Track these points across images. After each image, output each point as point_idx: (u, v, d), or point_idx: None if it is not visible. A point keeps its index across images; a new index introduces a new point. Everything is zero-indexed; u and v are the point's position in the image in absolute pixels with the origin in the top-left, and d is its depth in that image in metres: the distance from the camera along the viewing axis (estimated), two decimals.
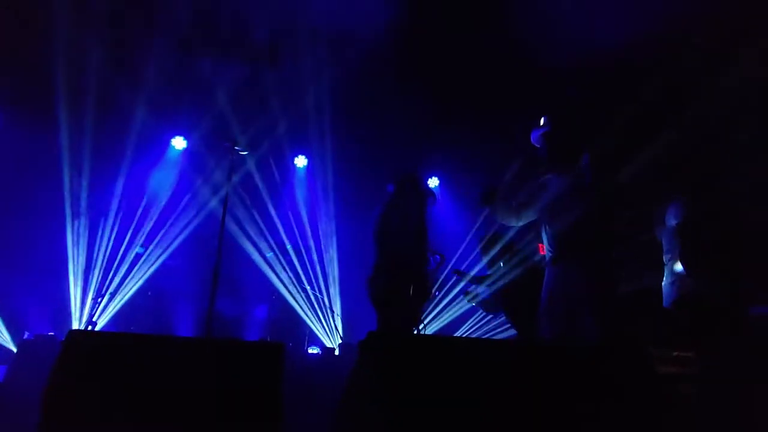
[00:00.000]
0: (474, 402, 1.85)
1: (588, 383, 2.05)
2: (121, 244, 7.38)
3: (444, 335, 7.34)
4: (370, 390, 1.89)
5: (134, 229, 7.51)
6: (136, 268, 7.27)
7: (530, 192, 3.54)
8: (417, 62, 6.81)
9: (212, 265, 4.56)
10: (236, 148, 5.02)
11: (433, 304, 7.70)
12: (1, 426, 3.89)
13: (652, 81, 5.51)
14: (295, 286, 7.66)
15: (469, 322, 7.92)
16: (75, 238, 7.10)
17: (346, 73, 6.85)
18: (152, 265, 7.32)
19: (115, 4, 6.27)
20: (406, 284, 3.66)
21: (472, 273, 5.51)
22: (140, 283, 7.21)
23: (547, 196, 3.37)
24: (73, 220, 7.03)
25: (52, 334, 5.46)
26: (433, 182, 8.91)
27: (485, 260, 5.17)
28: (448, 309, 7.88)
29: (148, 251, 7.37)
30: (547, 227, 3.33)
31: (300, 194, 8.69)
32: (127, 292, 7.13)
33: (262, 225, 7.97)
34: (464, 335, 7.69)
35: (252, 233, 7.78)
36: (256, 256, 7.65)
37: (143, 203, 7.71)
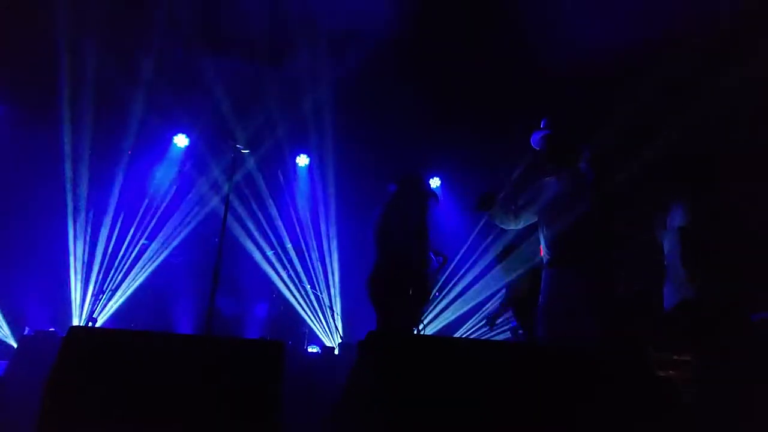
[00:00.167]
0: (473, 403, 1.85)
1: (587, 385, 2.05)
2: (123, 241, 7.39)
3: (444, 336, 7.33)
4: (369, 390, 1.89)
5: (135, 226, 7.51)
6: (138, 265, 7.28)
7: (529, 194, 3.54)
8: (420, 62, 6.81)
9: (213, 262, 4.56)
10: (238, 146, 5.03)
11: (433, 305, 7.71)
12: (0, 421, 3.89)
13: (653, 81, 5.51)
14: (296, 285, 7.66)
15: (469, 323, 7.92)
16: (76, 235, 7.11)
17: (349, 73, 6.85)
18: (153, 261, 7.33)
19: (118, 1, 6.28)
20: (405, 285, 3.65)
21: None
22: (141, 279, 7.22)
23: (546, 198, 3.37)
24: (75, 218, 7.04)
25: (52, 330, 5.47)
26: (435, 183, 8.91)
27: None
28: (448, 310, 7.88)
29: (150, 247, 7.38)
30: (546, 229, 3.32)
31: (301, 193, 8.69)
32: (128, 289, 7.14)
33: (263, 223, 7.97)
34: (464, 336, 7.69)
35: (253, 231, 7.78)
36: (256, 254, 7.65)
37: (145, 200, 7.72)
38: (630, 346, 3.32)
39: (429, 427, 1.76)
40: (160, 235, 7.50)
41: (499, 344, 3.96)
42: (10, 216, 6.71)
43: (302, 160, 8.73)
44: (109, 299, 7.03)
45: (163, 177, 7.98)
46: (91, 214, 7.27)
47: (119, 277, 7.19)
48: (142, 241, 7.32)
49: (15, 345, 6.16)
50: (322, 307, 7.76)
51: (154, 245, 7.38)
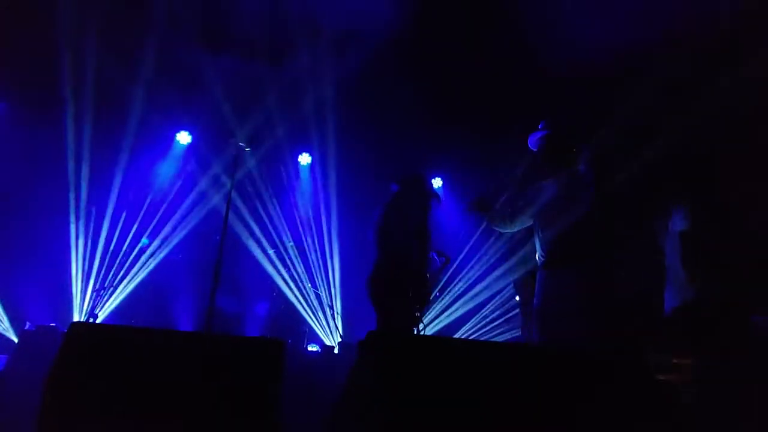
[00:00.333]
0: (473, 403, 1.85)
1: (587, 386, 2.05)
2: (124, 238, 7.40)
3: (444, 336, 7.34)
4: (369, 390, 1.90)
5: (136, 223, 7.53)
6: (139, 261, 7.29)
7: (525, 197, 3.54)
8: (421, 62, 6.81)
9: (214, 260, 4.57)
10: (240, 144, 5.03)
11: (434, 306, 7.71)
12: (0, 415, 3.90)
13: (653, 81, 5.51)
14: (296, 284, 7.66)
15: (468, 323, 7.93)
16: (77, 231, 7.13)
17: (351, 72, 6.85)
18: (155, 258, 7.34)
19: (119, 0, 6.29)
20: (405, 285, 3.64)
21: None
22: (142, 276, 7.23)
23: (543, 201, 3.37)
24: (76, 214, 7.05)
25: (53, 325, 5.48)
26: (437, 183, 8.91)
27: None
28: (448, 310, 7.88)
29: (152, 245, 7.39)
30: (543, 231, 3.32)
31: (303, 191, 8.70)
32: (129, 286, 7.15)
33: (264, 222, 7.98)
34: (464, 337, 7.69)
35: (254, 230, 7.79)
36: (257, 252, 7.66)
37: (147, 197, 7.73)
38: (628, 347, 3.32)
39: (428, 428, 1.76)
40: (162, 232, 7.52)
41: (499, 345, 3.96)
42: (12, 212, 6.73)
43: (304, 159, 8.74)
44: (110, 295, 7.05)
45: (166, 174, 7.99)
46: (92, 211, 7.29)
47: (120, 274, 7.20)
48: (143, 239, 7.33)
49: (16, 340, 6.18)
50: (322, 306, 7.77)
51: (155, 243, 7.40)
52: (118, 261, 7.25)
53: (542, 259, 3.30)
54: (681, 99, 5.51)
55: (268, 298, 7.47)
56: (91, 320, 6.62)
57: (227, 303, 6.72)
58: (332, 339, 7.55)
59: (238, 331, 7.23)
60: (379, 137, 7.89)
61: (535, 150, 3.57)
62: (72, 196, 7.09)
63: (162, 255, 7.37)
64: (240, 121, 7.21)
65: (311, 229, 8.42)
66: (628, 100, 5.59)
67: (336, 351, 6.41)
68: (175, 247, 7.45)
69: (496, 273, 7.44)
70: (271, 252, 7.65)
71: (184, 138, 8.04)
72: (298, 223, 8.37)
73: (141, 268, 7.29)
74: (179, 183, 7.95)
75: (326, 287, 8.04)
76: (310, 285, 7.73)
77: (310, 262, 8.10)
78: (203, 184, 7.74)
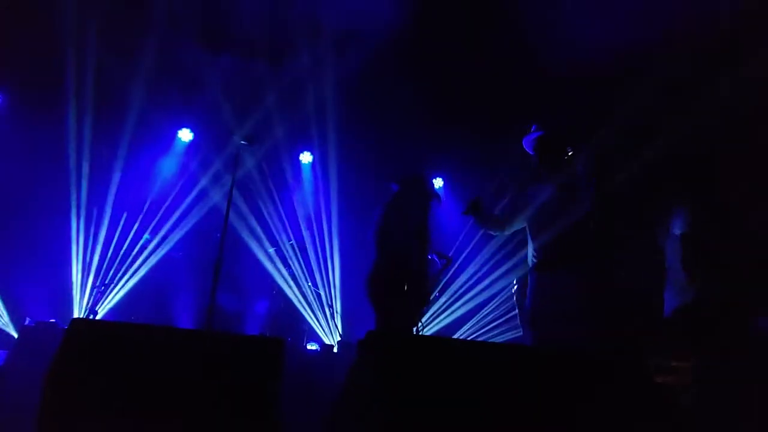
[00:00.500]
0: (472, 404, 1.85)
1: (586, 387, 2.05)
2: (125, 235, 7.41)
3: (443, 336, 7.34)
4: (368, 389, 1.90)
5: (138, 220, 7.53)
6: (139, 259, 7.30)
7: (519, 200, 3.53)
8: (422, 61, 6.81)
9: (214, 258, 4.56)
10: (242, 142, 5.02)
11: (433, 306, 7.71)
12: (0, 411, 3.91)
13: (653, 81, 5.51)
14: (296, 283, 7.67)
15: (468, 323, 7.93)
16: (78, 227, 7.13)
17: (352, 72, 6.86)
18: (155, 255, 7.34)
19: None
20: (403, 286, 3.62)
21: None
22: (142, 273, 7.24)
23: (538, 202, 3.36)
24: (77, 211, 7.06)
25: (53, 321, 5.48)
26: (438, 183, 8.91)
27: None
28: (448, 311, 7.89)
29: (152, 242, 7.40)
30: (537, 233, 3.31)
31: (304, 190, 8.70)
32: (129, 283, 7.15)
33: (265, 220, 7.98)
34: (464, 337, 7.69)
35: (254, 228, 7.79)
36: (258, 250, 7.66)
37: (148, 194, 7.74)
38: (628, 348, 3.32)
39: (428, 428, 1.77)
40: (162, 230, 7.52)
41: (499, 345, 3.96)
42: (12, 208, 6.73)
43: (305, 158, 8.74)
44: (110, 292, 7.05)
45: (167, 172, 7.99)
46: (93, 208, 7.30)
47: (121, 271, 7.21)
48: (145, 236, 7.34)
49: (15, 335, 6.19)
50: (322, 305, 7.77)
51: (156, 240, 7.40)
52: (119, 258, 7.25)
53: (536, 260, 3.29)
54: (681, 99, 5.52)
55: (268, 296, 7.48)
56: (91, 317, 6.63)
57: (227, 301, 6.73)
58: (332, 338, 7.56)
59: (238, 329, 7.24)
60: (380, 137, 7.89)
61: (530, 152, 3.57)
62: (73, 192, 7.09)
63: (162, 252, 7.38)
64: (241, 120, 7.21)
65: (312, 227, 8.42)
66: (628, 101, 5.60)
67: (335, 350, 6.41)
68: (175, 244, 7.46)
69: (497, 273, 7.45)
70: (271, 250, 7.66)
71: (185, 135, 8.04)
72: (299, 221, 8.37)
73: (141, 265, 7.29)
74: (180, 180, 7.96)
75: (326, 286, 8.05)
76: (310, 283, 7.74)
77: (311, 261, 8.11)
78: (204, 181, 7.74)
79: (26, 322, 5.76)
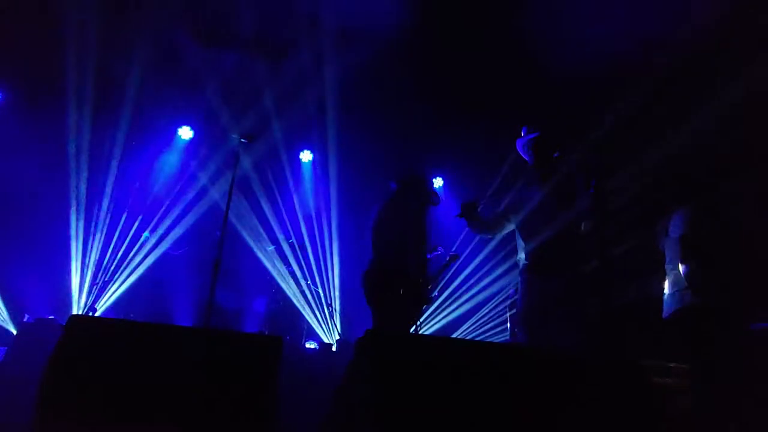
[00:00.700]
0: (468, 403, 1.86)
1: (582, 388, 2.06)
2: (124, 232, 7.41)
3: (441, 336, 7.35)
4: (365, 388, 1.90)
5: (134, 216, 7.53)
6: (138, 256, 7.30)
7: (510, 203, 3.52)
8: (424, 61, 6.81)
9: (213, 256, 4.56)
10: (242, 140, 5.02)
11: (433, 305, 7.72)
12: None
13: (653, 85, 5.51)
14: (295, 281, 7.67)
15: (467, 323, 7.94)
16: (77, 224, 7.14)
17: (353, 71, 6.85)
18: (154, 253, 7.35)
19: None
20: (396, 285, 3.58)
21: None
22: (141, 271, 7.25)
23: (529, 206, 3.36)
24: (77, 208, 7.06)
25: (52, 317, 5.49)
26: (438, 182, 8.91)
27: None
28: (447, 310, 7.89)
29: (152, 240, 7.40)
30: (528, 236, 3.31)
31: (304, 189, 8.71)
32: (128, 280, 7.16)
33: (265, 218, 7.99)
34: (462, 337, 7.70)
35: (254, 226, 7.80)
36: (257, 248, 7.67)
37: (148, 192, 7.74)
38: (625, 351, 3.33)
39: (424, 426, 1.77)
40: (162, 227, 7.53)
41: (496, 346, 3.97)
42: (12, 204, 6.73)
43: (305, 156, 8.74)
44: (110, 289, 7.06)
45: (167, 169, 8.00)
46: (93, 205, 7.30)
47: (120, 268, 7.22)
48: (145, 234, 7.34)
49: (15, 332, 6.19)
50: (320, 304, 7.78)
51: (152, 236, 7.41)
52: (119, 255, 7.26)
53: (527, 263, 3.29)
54: (680, 100, 5.52)
55: (267, 294, 7.48)
56: (90, 314, 6.63)
57: (226, 299, 6.73)
58: (330, 337, 7.57)
59: (237, 326, 7.24)
60: (380, 136, 7.89)
61: (523, 155, 3.57)
62: (73, 190, 7.09)
63: (162, 250, 7.38)
64: (242, 118, 7.21)
65: (311, 226, 8.42)
66: (628, 101, 5.60)
67: (334, 349, 6.42)
68: (175, 242, 7.46)
69: (497, 272, 7.46)
70: (270, 248, 7.66)
71: (186, 133, 8.04)
72: (299, 220, 8.37)
73: (141, 262, 7.30)
74: (181, 178, 7.96)
75: (326, 285, 8.05)
76: (309, 282, 7.74)
77: (310, 259, 8.11)
78: (204, 179, 7.74)
79: (25, 319, 5.76)
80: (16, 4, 6.25)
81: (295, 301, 7.62)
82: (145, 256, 7.34)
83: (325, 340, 7.47)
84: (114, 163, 7.42)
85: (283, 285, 7.56)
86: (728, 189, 3.47)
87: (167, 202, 7.71)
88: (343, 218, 8.27)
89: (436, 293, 6.83)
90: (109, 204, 7.41)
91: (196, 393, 2.05)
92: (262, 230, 7.86)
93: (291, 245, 7.73)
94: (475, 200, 3.58)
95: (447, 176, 8.97)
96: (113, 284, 7.09)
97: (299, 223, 8.36)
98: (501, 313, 7.35)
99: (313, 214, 8.51)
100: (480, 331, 7.73)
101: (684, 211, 3.36)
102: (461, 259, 7.42)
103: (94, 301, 6.89)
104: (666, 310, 3.40)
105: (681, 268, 3.24)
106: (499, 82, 6.63)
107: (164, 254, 7.36)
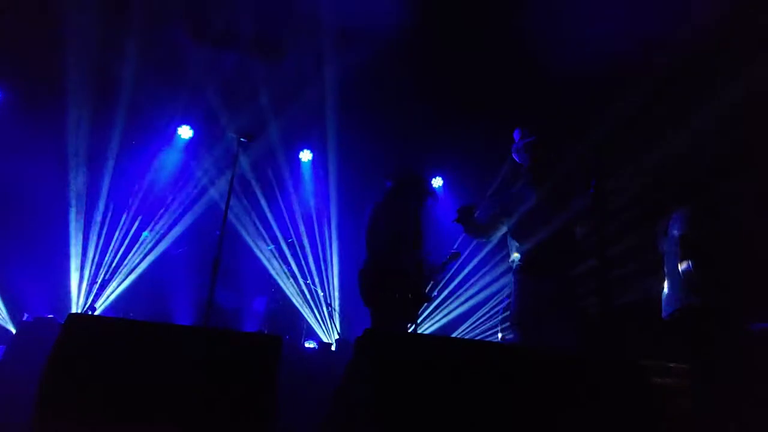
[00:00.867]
0: (469, 403, 1.86)
1: (583, 389, 2.06)
2: (124, 231, 7.41)
3: (441, 336, 7.35)
4: (365, 387, 1.90)
5: (134, 216, 7.53)
6: (138, 255, 7.30)
7: (506, 204, 3.51)
8: (424, 61, 6.81)
9: (213, 255, 4.56)
10: (242, 139, 5.02)
11: (432, 304, 7.72)
12: None
13: (653, 85, 5.51)
14: (295, 280, 7.67)
15: (467, 323, 7.94)
16: (78, 222, 7.13)
17: (353, 70, 6.85)
18: (154, 252, 7.35)
19: None
20: (390, 285, 3.53)
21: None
22: (140, 270, 7.24)
23: (524, 208, 3.36)
24: (76, 207, 7.06)
25: (51, 316, 5.48)
26: (438, 182, 8.90)
27: None
28: (446, 310, 7.89)
29: (151, 236, 7.40)
30: (522, 237, 3.31)
31: (303, 188, 8.71)
32: (128, 279, 7.16)
33: (265, 217, 7.99)
34: (462, 337, 7.70)
35: (253, 225, 7.80)
36: (256, 248, 7.67)
37: (148, 191, 7.74)
38: (624, 351, 3.33)
39: (424, 426, 1.77)
40: (161, 226, 7.53)
41: (495, 345, 3.97)
42: (11, 202, 6.73)
43: (305, 156, 8.73)
44: (109, 288, 7.05)
45: (167, 168, 7.99)
46: (93, 204, 7.30)
47: (119, 267, 7.21)
48: (144, 233, 7.34)
49: (13, 330, 6.19)
50: (319, 304, 7.78)
51: (152, 235, 7.41)
52: (119, 254, 7.26)
53: (521, 264, 3.29)
54: (680, 100, 5.52)
55: (267, 293, 7.48)
56: (89, 313, 6.63)
57: (225, 298, 6.73)
58: (330, 336, 7.56)
59: (236, 326, 7.24)
60: (381, 136, 7.89)
61: (518, 159, 3.57)
62: (72, 188, 7.09)
63: (161, 249, 7.38)
64: (242, 117, 7.21)
65: (311, 225, 8.42)
66: (628, 101, 5.60)
67: (333, 348, 6.42)
68: (174, 241, 7.46)
69: (496, 272, 7.46)
70: (270, 248, 7.66)
71: (185, 132, 8.05)
72: (298, 219, 8.37)
73: (140, 261, 7.30)
74: (180, 177, 7.96)
75: (326, 284, 8.05)
76: (309, 281, 7.74)
77: (309, 259, 8.11)
78: (204, 178, 7.74)
79: (24, 318, 5.76)
80: (16, 4, 6.24)
81: (294, 301, 7.62)
82: (145, 256, 7.33)
83: (325, 340, 7.46)
84: (113, 163, 7.41)
85: (283, 284, 7.56)
86: (728, 189, 3.46)
87: (167, 202, 7.71)
88: (342, 218, 8.27)
89: (435, 293, 6.83)
90: (109, 203, 7.41)
91: (196, 392, 2.05)
92: (262, 229, 7.86)
93: (290, 245, 7.73)
94: (471, 205, 3.58)
95: (447, 176, 8.96)
96: (112, 283, 7.09)
97: (299, 222, 8.36)
98: (500, 312, 7.35)
99: (314, 214, 8.51)
100: (480, 330, 7.73)
101: (684, 211, 3.36)
102: (459, 260, 7.44)
103: (94, 300, 6.89)
104: (666, 310, 3.40)
105: (681, 268, 3.24)
106: (499, 82, 6.62)
107: (164, 253, 7.36)
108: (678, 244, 3.39)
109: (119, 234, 7.39)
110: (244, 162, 7.29)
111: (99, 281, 7.02)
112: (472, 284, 7.84)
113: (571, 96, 6.21)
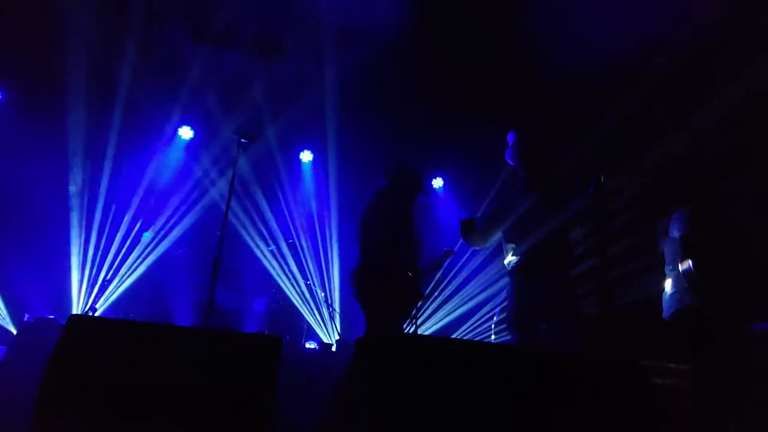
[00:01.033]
0: (469, 403, 1.86)
1: (583, 390, 2.06)
2: (125, 232, 7.41)
3: (441, 336, 7.35)
4: (365, 388, 1.90)
5: (134, 216, 7.53)
6: (138, 256, 7.31)
7: (503, 207, 3.51)
8: (424, 61, 6.81)
9: (213, 255, 4.56)
10: (242, 140, 5.01)
11: (431, 305, 7.72)
12: None
13: (653, 85, 5.51)
14: (295, 281, 7.67)
15: (467, 323, 7.94)
16: (78, 223, 7.14)
17: (353, 71, 6.85)
18: (154, 253, 7.35)
19: None
20: (383, 284, 3.48)
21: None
22: (141, 270, 7.25)
23: (521, 210, 3.36)
24: (77, 207, 7.06)
25: (52, 317, 5.49)
26: (438, 182, 8.90)
27: None
28: (446, 310, 7.89)
29: (153, 237, 7.41)
30: (519, 239, 3.31)
31: (304, 189, 8.71)
32: (128, 280, 7.16)
33: (265, 218, 7.99)
34: (462, 337, 7.70)
35: (254, 226, 7.80)
36: (257, 248, 7.67)
37: (148, 191, 7.74)
38: (624, 351, 3.33)
39: (424, 427, 1.77)
40: (161, 226, 7.53)
41: (496, 346, 3.97)
42: (11, 203, 6.73)
43: (306, 156, 8.73)
44: (110, 289, 7.06)
45: (167, 169, 8.00)
46: (93, 204, 7.30)
47: (120, 268, 7.22)
48: (145, 234, 7.35)
49: (14, 331, 6.19)
50: (319, 304, 7.78)
51: (152, 236, 7.41)
52: (121, 255, 7.26)
53: (517, 265, 3.28)
54: (680, 100, 5.52)
55: (267, 294, 7.48)
56: (90, 313, 6.63)
57: (226, 298, 6.73)
58: (330, 337, 7.56)
59: (236, 326, 7.24)
60: (381, 136, 7.89)
61: (512, 162, 3.57)
62: (72, 186, 7.09)
63: (162, 249, 7.38)
64: (242, 117, 7.21)
65: (311, 226, 8.42)
66: (628, 102, 5.60)
67: (334, 349, 6.42)
68: (175, 242, 7.46)
69: (497, 271, 7.45)
70: (271, 248, 7.66)
71: (186, 133, 8.05)
72: (299, 220, 8.37)
73: (141, 262, 7.30)
74: (180, 178, 7.96)
75: (326, 285, 8.05)
76: (309, 282, 7.74)
77: (310, 259, 8.11)
78: (204, 179, 7.75)
79: (25, 318, 5.76)
80: (16, 4, 6.24)
81: (294, 301, 7.62)
82: (145, 256, 7.33)
83: (325, 340, 7.46)
84: (114, 163, 7.42)
85: (283, 285, 7.56)
86: (728, 189, 3.46)
87: (167, 202, 7.71)
88: (343, 218, 8.27)
89: (427, 291, 6.80)
90: (110, 204, 7.41)
91: (196, 393, 2.05)
92: (263, 230, 7.86)
93: (291, 245, 7.73)
94: (473, 219, 3.59)
95: (447, 176, 8.96)
96: (113, 284, 7.09)
97: (299, 223, 8.36)
98: (497, 314, 7.35)
99: (314, 215, 8.51)
100: (480, 330, 7.72)
101: (684, 211, 3.36)
102: (459, 260, 7.44)
103: (94, 301, 6.89)
104: (666, 310, 3.40)
105: (681, 268, 3.24)
106: (499, 82, 6.62)
107: (164, 254, 7.36)
108: (678, 244, 3.39)
109: (120, 235, 7.39)
110: (244, 163, 7.29)
111: (100, 282, 7.02)
112: (472, 285, 7.83)
113: (571, 96, 6.21)
